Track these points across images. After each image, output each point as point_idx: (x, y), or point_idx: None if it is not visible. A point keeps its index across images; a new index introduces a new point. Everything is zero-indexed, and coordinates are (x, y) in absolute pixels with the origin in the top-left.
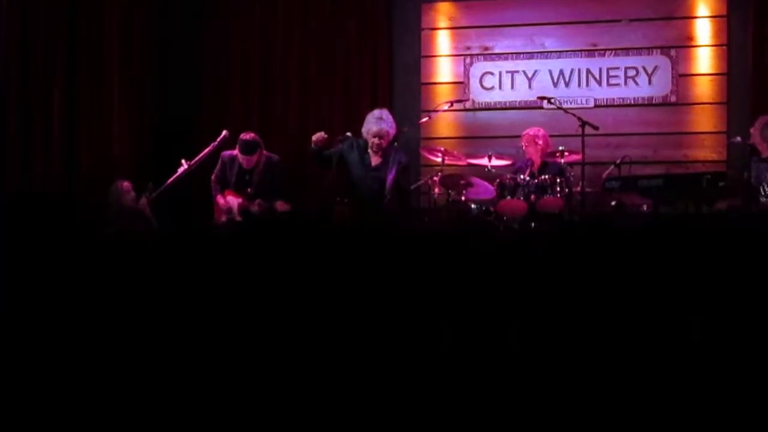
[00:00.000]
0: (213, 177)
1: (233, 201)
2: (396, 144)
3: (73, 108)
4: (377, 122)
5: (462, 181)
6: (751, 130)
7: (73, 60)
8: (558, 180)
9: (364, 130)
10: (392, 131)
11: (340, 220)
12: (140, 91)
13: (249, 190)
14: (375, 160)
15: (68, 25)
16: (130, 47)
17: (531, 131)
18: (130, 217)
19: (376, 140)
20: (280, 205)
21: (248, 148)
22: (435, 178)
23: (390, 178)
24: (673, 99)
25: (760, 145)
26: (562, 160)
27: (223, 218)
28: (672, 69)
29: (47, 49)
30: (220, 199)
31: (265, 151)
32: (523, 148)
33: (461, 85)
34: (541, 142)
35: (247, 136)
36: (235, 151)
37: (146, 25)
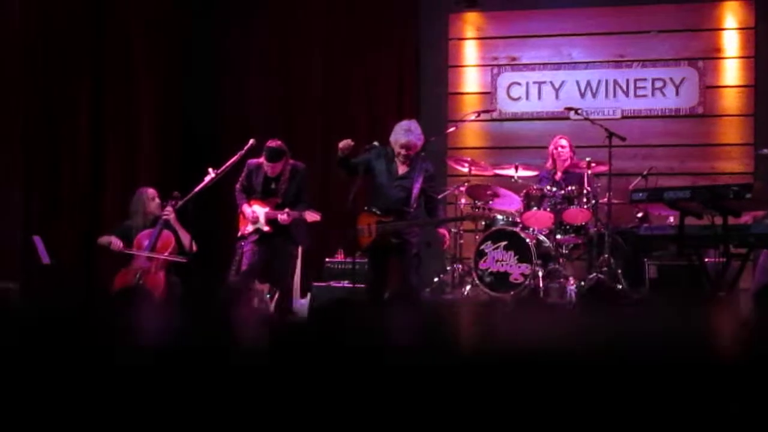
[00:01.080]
0: (237, 186)
1: (260, 210)
2: (423, 153)
3: (99, 114)
4: (405, 134)
5: (488, 192)
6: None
7: (101, 62)
8: (584, 191)
9: (392, 139)
10: (420, 143)
11: (366, 228)
12: (167, 95)
13: (278, 200)
14: (401, 170)
15: (95, 27)
16: (156, 54)
17: (557, 139)
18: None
19: (403, 151)
20: (309, 215)
21: (274, 155)
22: (461, 188)
23: (416, 187)
24: (700, 110)
25: None
26: (589, 171)
27: (249, 228)
28: (699, 80)
29: (75, 50)
30: (246, 209)
31: (291, 159)
32: (548, 157)
33: (488, 95)
34: (564, 150)
35: (273, 143)
36: (261, 159)
37: (172, 28)
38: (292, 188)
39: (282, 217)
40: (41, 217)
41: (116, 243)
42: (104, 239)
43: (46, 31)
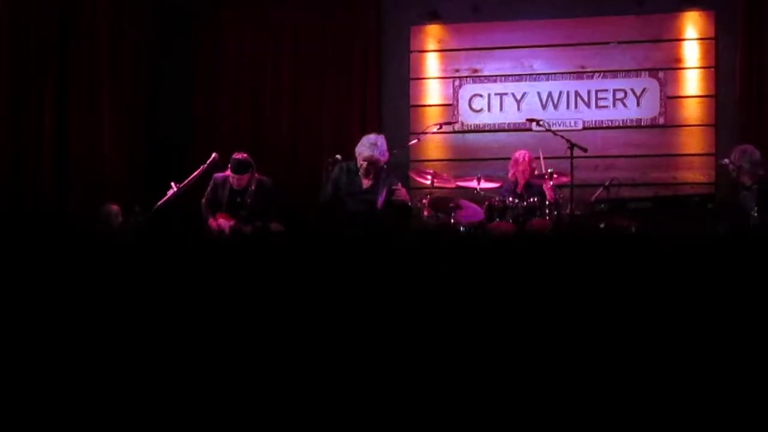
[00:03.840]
0: (204, 200)
1: (225, 223)
2: (386, 166)
3: (63, 121)
4: (371, 148)
5: (451, 204)
6: (728, 160)
7: (64, 71)
8: (546, 202)
9: (357, 150)
10: (383, 159)
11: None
12: (131, 105)
13: (243, 213)
14: (365, 183)
15: (58, 39)
16: (121, 62)
17: (517, 154)
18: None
19: (365, 164)
20: (275, 226)
21: (240, 167)
22: (424, 201)
23: (380, 201)
24: (661, 121)
25: (742, 174)
26: (551, 182)
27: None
28: (660, 91)
29: (38, 61)
30: (212, 222)
31: (256, 174)
32: (510, 169)
33: (450, 107)
34: (526, 166)
35: (239, 155)
36: (227, 173)
37: (138, 41)
38: (259, 202)
39: (247, 230)
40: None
41: None
42: None
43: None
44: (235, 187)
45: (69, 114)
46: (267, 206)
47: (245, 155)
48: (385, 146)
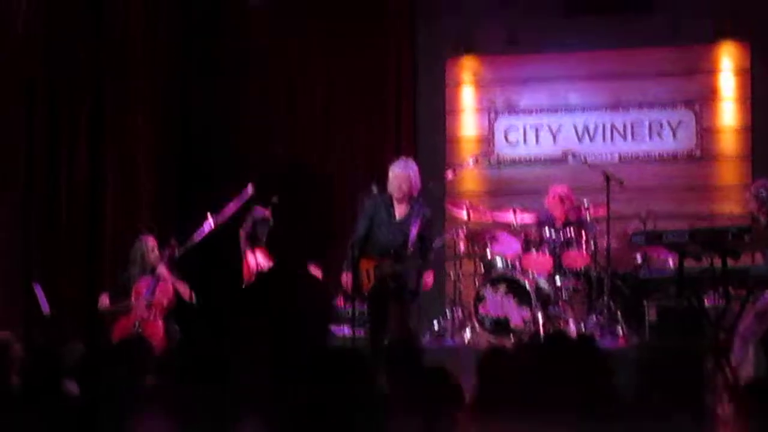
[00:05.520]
0: (242, 233)
1: (264, 263)
2: (420, 199)
3: (97, 156)
4: (402, 166)
5: (487, 236)
6: (748, 196)
7: (99, 99)
8: (583, 234)
9: (390, 175)
10: (415, 178)
11: (365, 273)
12: (164, 134)
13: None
14: (399, 212)
15: (94, 71)
16: (154, 92)
17: (556, 189)
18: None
19: (395, 183)
20: (313, 269)
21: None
22: (460, 233)
23: (413, 231)
24: (697, 153)
25: (759, 211)
26: (588, 215)
27: (253, 279)
28: (696, 123)
29: (73, 93)
30: (251, 258)
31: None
32: (546, 204)
33: (486, 139)
34: (565, 201)
35: (277, 199)
36: (267, 211)
37: (170, 69)
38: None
39: None
40: (41, 264)
41: (102, 301)
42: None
43: (46, 71)
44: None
45: (103, 153)
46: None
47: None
48: (416, 168)
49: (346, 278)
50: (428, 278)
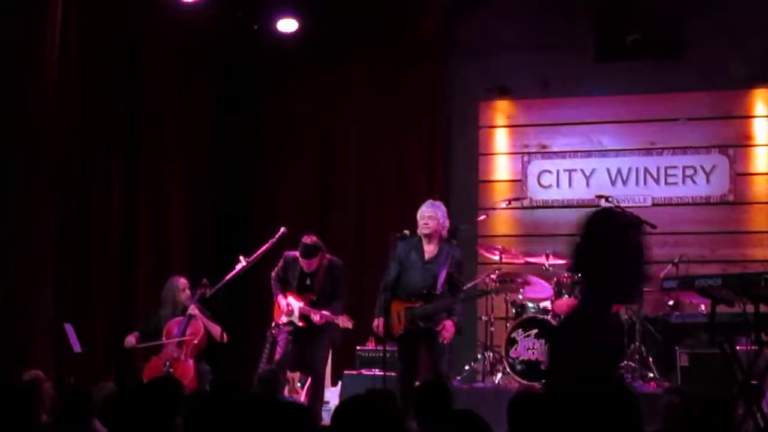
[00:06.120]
0: (273, 274)
1: (295, 303)
2: (453, 241)
3: (131, 196)
4: (430, 206)
5: (519, 280)
6: None
7: (133, 141)
8: None
9: (418, 215)
10: (443, 217)
11: (396, 316)
12: (197, 176)
13: (312, 297)
14: (429, 252)
15: (127, 103)
16: (187, 133)
17: None
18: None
19: (422, 222)
20: (342, 321)
21: (309, 252)
22: (492, 276)
23: (443, 272)
24: (731, 198)
25: None
26: None
27: (284, 318)
28: (730, 168)
29: (107, 134)
30: (281, 300)
31: (327, 254)
32: None
33: (519, 182)
34: None
35: (308, 239)
36: (298, 252)
37: (204, 112)
38: (328, 285)
39: (315, 318)
40: (73, 304)
41: (128, 340)
42: (126, 341)
43: (82, 111)
44: (306, 270)
45: (136, 194)
46: (336, 288)
47: (315, 238)
48: (444, 209)
49: (377, 323)
50: (450, 327)
